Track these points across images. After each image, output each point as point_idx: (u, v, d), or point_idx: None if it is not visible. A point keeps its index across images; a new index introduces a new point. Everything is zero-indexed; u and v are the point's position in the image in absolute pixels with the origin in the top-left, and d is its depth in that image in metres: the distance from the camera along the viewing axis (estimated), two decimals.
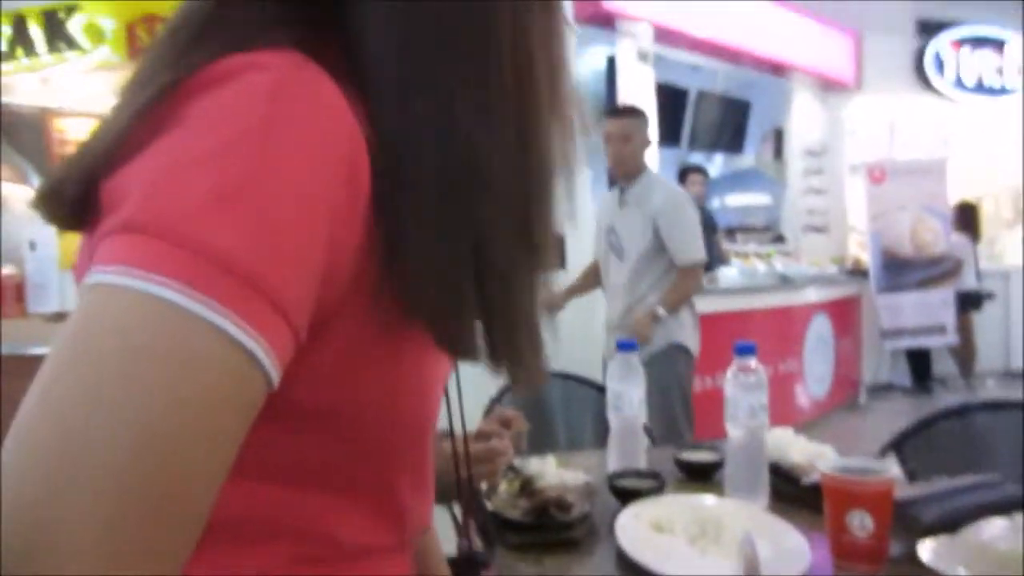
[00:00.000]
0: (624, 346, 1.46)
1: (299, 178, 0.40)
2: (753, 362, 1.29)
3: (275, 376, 0.38)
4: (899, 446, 1.61)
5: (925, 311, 5.93)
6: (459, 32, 0.46)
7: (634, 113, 3.09)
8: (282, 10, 0.46)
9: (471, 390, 1.86)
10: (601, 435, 2.22)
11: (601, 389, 2.29)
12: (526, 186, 0.49)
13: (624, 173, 2.95)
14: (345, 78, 0.44)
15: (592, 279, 3.23)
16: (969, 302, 6.14)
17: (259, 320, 0.37)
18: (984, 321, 6.37)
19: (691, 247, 2.90)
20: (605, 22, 4.96)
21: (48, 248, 3.31)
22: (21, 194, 6.16)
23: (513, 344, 0.51)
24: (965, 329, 6.19)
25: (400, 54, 0.45)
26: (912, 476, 1.33)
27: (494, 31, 0.47)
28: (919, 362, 6.31)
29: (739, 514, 1.19)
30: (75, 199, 0.44)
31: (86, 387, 0.34)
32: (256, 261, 0.37)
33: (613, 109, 3.24)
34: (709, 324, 3.57)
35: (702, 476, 1.45)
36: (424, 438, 0.57)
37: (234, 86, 0.40)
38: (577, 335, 3.35)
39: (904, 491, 1.15)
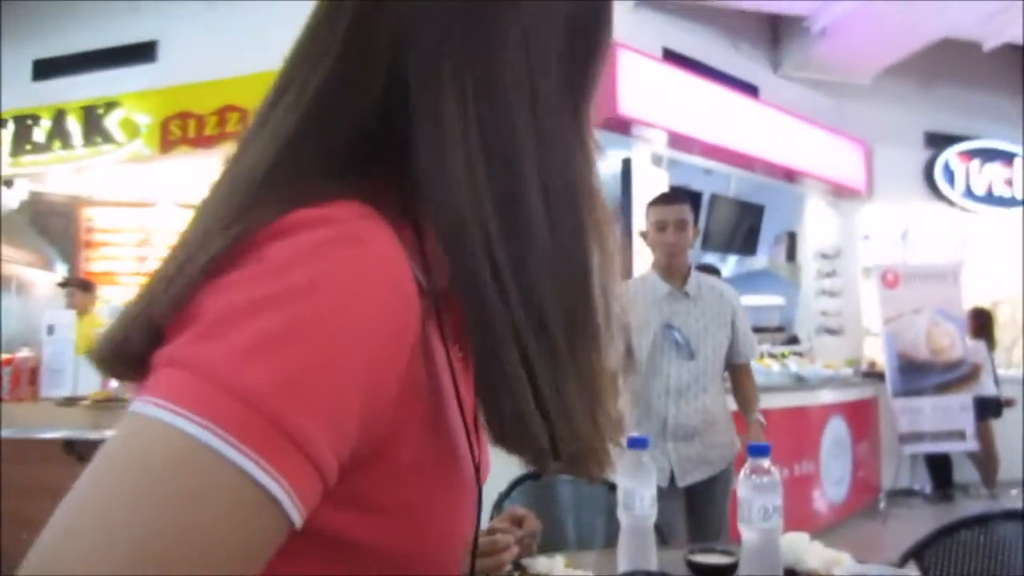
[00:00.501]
0: (635, 443, 1.45)
1: (341, 330, 0.41)
2: (767, 463, 1.28)
3: (296, 516, 0.39)
4: (920, 554, 1.56)
5: (944, 416, 5.82)
6: (520, 173, 0.48)
7: (686, 197, 2.86)
8: (345, 152, 0.49)
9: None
10: (613, 534, 2.18)
11: (613, 487, 2.25)
12: (577, 316, 0.51)
13: (680, 264, 2.68)
14: (406, 214, 0.49)
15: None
16: (988, 409, 6.03)
17: (282, 461, 0.38)
18: (1004, 428, 6.23)
19: (754, 343, 2.84)
20: (621, 127, 5.13)
21: (65, 332, 3.35)
22: (43, 279, 6.32)
23: (580, 439, 0.51)
24: (985, 436, 6.05)
25: (477, 206, 0.47)
26: None
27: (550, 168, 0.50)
28: (939, 468, 6.15)
29: None
30: (143, 355, 0.44)
31: (98, 502, 0.36)
32: (285, 405, 0.38)
33: (665, 195, 2.89)
34: None
35: None
36: None
37: (296, 240, 0.42)
38: None
39: None
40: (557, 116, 0.51)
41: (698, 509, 2.61)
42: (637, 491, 1.40)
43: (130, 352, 0.46)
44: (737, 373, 2.76)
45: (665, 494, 2.34)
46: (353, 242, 0.43)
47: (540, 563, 1.35)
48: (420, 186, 0.48)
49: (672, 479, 2.54)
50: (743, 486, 1.27)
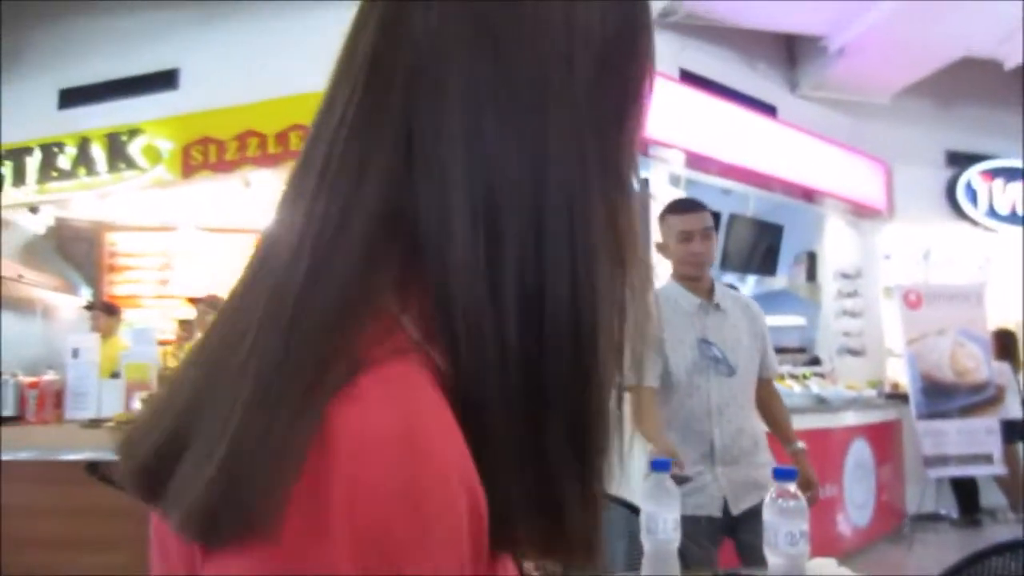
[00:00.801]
0: (658, 465, 1.44)
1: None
2: (792, 487, 1.26)
3: None
4: None
5: (969, 439, 5.72)
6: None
7: (705, 206, 2.58)
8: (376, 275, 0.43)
9: None
10: (635, 558, 2.15)
11: (635, 510, 2.22)
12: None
13: (707, 276, 2.49)
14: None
15: (659, 413, 2.51)
16: (1015, 432, 5.92)
17: None
18: None
19: (775, 357, 2.67)
20: (639, 148, 5.13)
21: (90, 355, 3.39)
22: (68, 303, 6.40)
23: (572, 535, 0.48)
24: (1012, 460, 5.93)
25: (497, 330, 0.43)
26: None
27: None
28: (966, 492, 6.02)
29: None
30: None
31: None
32: None
33: (686, 202, 2.63)
34: None
35: None
36: None
37: (373, 475, 0.37)
38: None
39: None
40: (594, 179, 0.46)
41: (746, 536, 2.28)
42: (660, 515, 1.39)
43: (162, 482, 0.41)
44: (764, 390, 2.56)
45: (717, 524, 2.28)
46: (424, 459, 0.38)
47: None
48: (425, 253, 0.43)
49: (726, 507, 2.31)
50: (769, 510, 1.26)
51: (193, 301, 5.13)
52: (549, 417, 0.43)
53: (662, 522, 1.39)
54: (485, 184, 0.42)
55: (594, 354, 0.44)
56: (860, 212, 7.02)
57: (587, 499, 0.46)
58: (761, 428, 2.52)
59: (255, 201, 5.51)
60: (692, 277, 2.46)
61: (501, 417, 0.43)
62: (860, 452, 5.27)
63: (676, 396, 2.41)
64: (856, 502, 5.17)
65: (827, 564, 1.40)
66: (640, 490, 1.43)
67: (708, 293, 2.46)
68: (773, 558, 1.26)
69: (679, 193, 5.50)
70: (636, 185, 0.51)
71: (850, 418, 5.28)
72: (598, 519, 0.48)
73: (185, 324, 5.27)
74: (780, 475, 1.27)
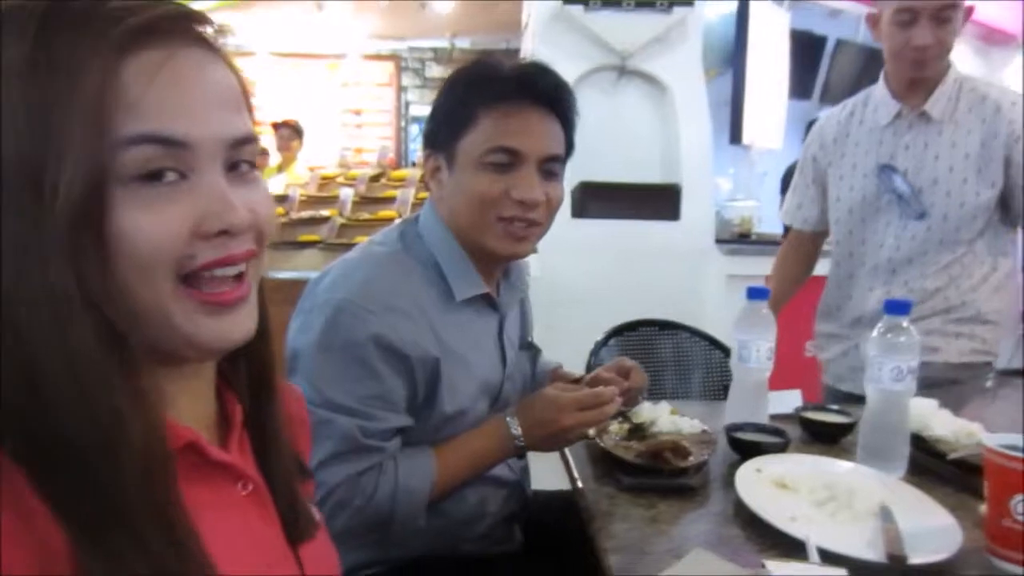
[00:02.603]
0: (754, 293, 1.36)
1: None
2: (905, 321, 1.17)
3: None
4: None
5: None
6: None
7: None
8: None
9: (568, 336, 1.80)
10: (711, 390, 2.14)
11: (714, 342, 2.19)
12: None
13: (923, 79, 1.68)
14: None
15: (798, 265, 2.07)
16: None
17: None
18: None
19: None
20: None
21: None
22: None
23: None
24: None
25: None
26: None
27: None
28: None
29: (875, 482, 1.09)
30: None
31: None
32: None
33: None
34: None
35: (829, 439, 1.35)
36: None
37: None
38: (689, 286, 3.23)
39: None
40: None
41: None
42: (753, 343, 1.33)
43: None
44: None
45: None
46: None
47: (644, 410, 1.32)
48: None
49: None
50: (876, 344, 1.18)
51: (275, 126, 5.11)
52: None
53: (755, 351, 1.33)
54: None
55: None
56: (990, 38, 6.31)
57: None
58: (987, 299, 1.75)
59: (328, 26, 5.29)
60: (907, 80, 1.71)
61: None
62: None
63: (838, 246, 1.89)
64: None
65: (927, 403, 1.32)
66: (734, 320, 1.36)
67: (924, 96, 1.70)
68: (875, 393, 1.19)
69: (782, 15, 5.02)
70: None
71: None
72: None
73: (264, 150, 5.30)
74: (891, 308, 1.17)
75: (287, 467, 0.61)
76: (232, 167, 0.51)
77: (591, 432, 1.19)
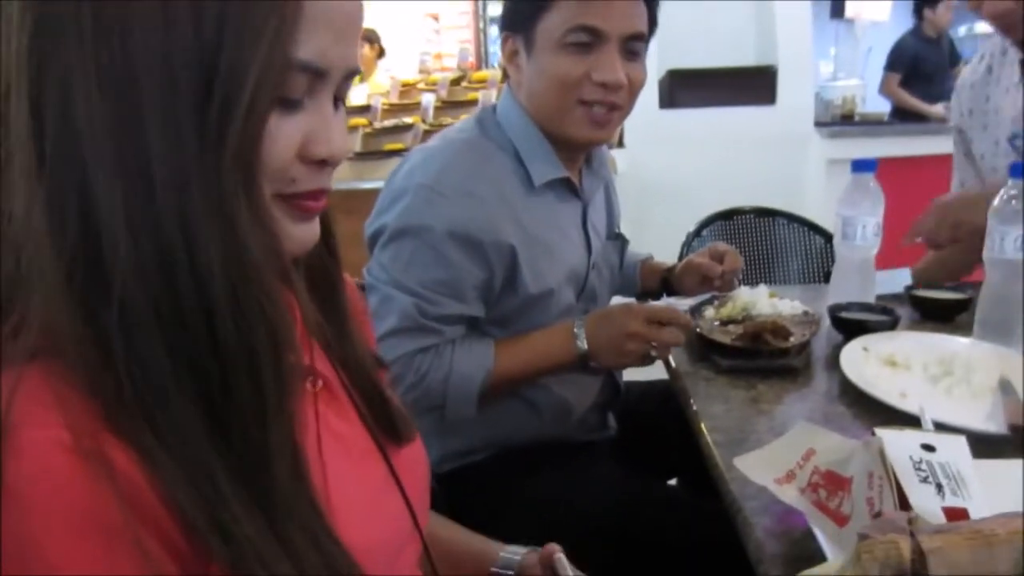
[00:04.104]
0: (859, 166, 1.27)
1: None
2: None
3: None
4: None
5: None
6: None
7: None
8: None
9: (659, 231, 1.74)
10: (813, 278, 2.06)
11: (813, 227, 2.09)
12: None
13: None
14: None
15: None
16: None
17: None
18: None
19: None
20: None
21: None
22: None
23: None
24: None
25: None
26: None
27: None
28: None
29: (993, 356, 1.03)
30: None
31: None
32: None
33: None
34: (945, 165, 3.15)
35: (942, 317, 1.27)
36: None
37: None
38: (787, 174, 3.09)
39: None
40: None
41: None
42: (859, 219, 1.25)
43: None
44: None
45: None
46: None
47: (742, 294, 1.27)
48: None
49: None
50: (998, 214, 1.09)
51: None
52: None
53: (861, 227, 1.25)
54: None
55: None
56: None
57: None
58: None
59: None
60: None
61: None
62: None
63: None
64: None
65: None
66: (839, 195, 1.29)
67: None
68: (993, 267, 1.11)
69: None
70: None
71: None
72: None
73: None
74: (1017, 171, 1.07)
75: (364, 363, 0.61)
76: (336, 98, 0.51)
77: (653, 353, 1.09)
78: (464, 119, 1.21)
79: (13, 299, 0.41)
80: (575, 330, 1.10)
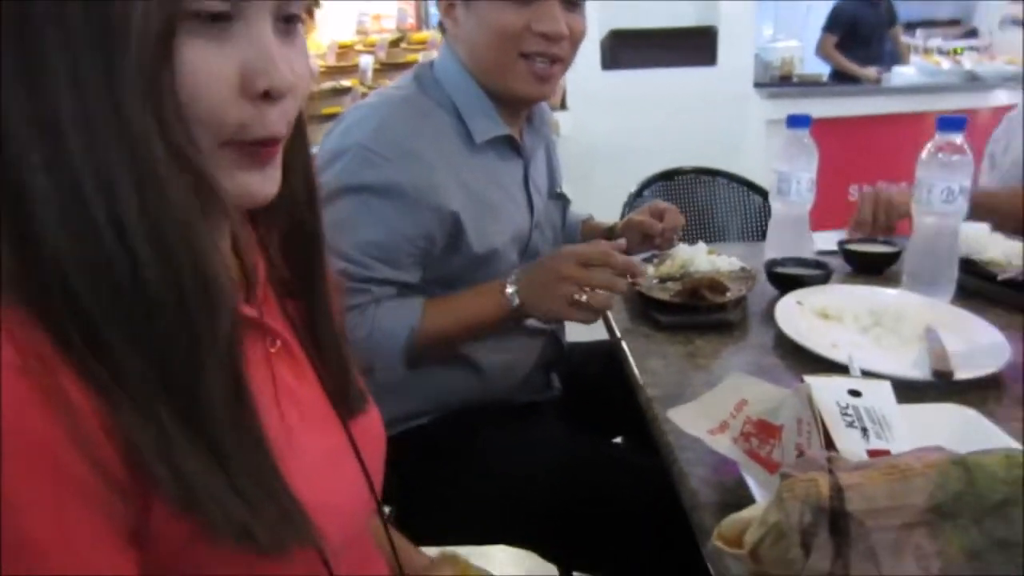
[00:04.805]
0: (795, 122, 1.28)
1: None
2: (959, 139, 1.09)
3: None
4: None
5: None
6: None
7: None
8: None
9: (602, 192, 1.73)
10: (750, 233, 2.09)
11: (753, 187, 2.12)
12: None
13: None
14: None
15: None
16: None
17: None
18: None
19: None
20: None
21: None
22: None
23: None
24: None
25: None
26: None
27: None
28: None
29: (921, 306, 1.06)
30: None
31: None
32: None
33: None
34: (880, 127, 3.21)
35: (874, 270, 1.30)
36: None
37: None
38: (727, 134, 3.12)
39: None
40: None
41: None
42: (794, 174, 1.26)
43: None
44: None
45: None
46: None
47: (681, 251, 1.28)
48: None
49: None
50: (925, 165, 1.11)
51: None
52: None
53: (795, 182, 1.27)
54: None
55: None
56: None
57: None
58: None
59: None
60: None
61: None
62: None
63: None
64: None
65: (979, 228, 1.27)
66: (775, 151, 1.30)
67: None
68: (923, 217, 1.13)
69: None
70: None
71: (1003, 97, 4.74)
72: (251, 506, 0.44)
73: None
74: (945, 124, 1.10)
75: (331, 329, 0.60)
76: (285, 19, 0.47)
77: (580, 296, 1.00)
78: (401, 75, 1.18)
79: None
80: (507, 284, 1.05)
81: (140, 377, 0.41)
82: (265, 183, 0.49)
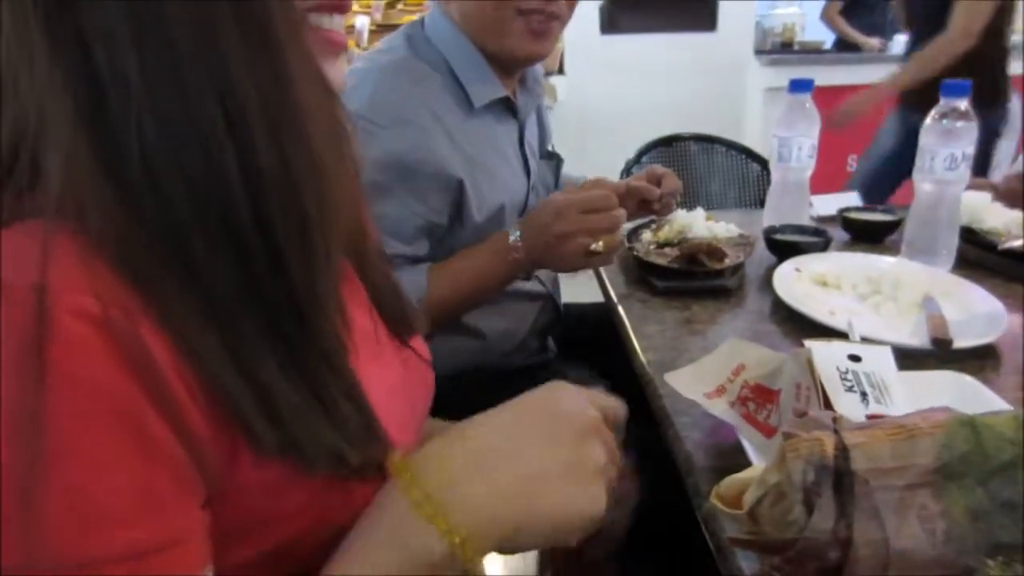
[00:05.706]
0: (797, 86, 1.26)
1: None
2: (964, 104, 1.08)
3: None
4: None
5: None
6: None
7: None
8: None
9: (599, 159, 1.71)
10: (748, 201, 2.07)
11: (752, 155, 2.10)
12: None
13: None
14: None
15: None
16: None
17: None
18: None
19: None
20: None
21: None
22: None
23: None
24: None
25: None
26: None
27: None
28: None
29: (920, 274, 1.05)
30: None
31: None
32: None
33: None
34: None
35: (872, 238, 1.29)
36: None
37: None
38: (726, 100, 3.08)
39: None
40: None
41: None
42: (795, 140, 1.25)
43: None
44: None
45: None
46: None
47: (679, 216, 1.27)
48: None
49: None
50: (929, 131, 1.09)
51: None
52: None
53: (796, 148, 1.25)
54: None
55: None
56: None
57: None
58: None
59: None
60: None
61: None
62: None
63: None
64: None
65: (980, 197, 1.26)
66: (775, 116, 1.28)
67: None
68: (924, 184, 1.12)
69: None
70: None
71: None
72: (337, 425, 0.41)
73: None
74: (949, 90, 1.08)
75: (375, 253, 0.58)
76: None
77: (595, 246, 0.98)
78: (389, 37, 1.14)
79: (34, 158, 0.36)
80: (509, 237, 1.02)
81: (234, 300, 0.38)
82: (340, 73, 0.47)
